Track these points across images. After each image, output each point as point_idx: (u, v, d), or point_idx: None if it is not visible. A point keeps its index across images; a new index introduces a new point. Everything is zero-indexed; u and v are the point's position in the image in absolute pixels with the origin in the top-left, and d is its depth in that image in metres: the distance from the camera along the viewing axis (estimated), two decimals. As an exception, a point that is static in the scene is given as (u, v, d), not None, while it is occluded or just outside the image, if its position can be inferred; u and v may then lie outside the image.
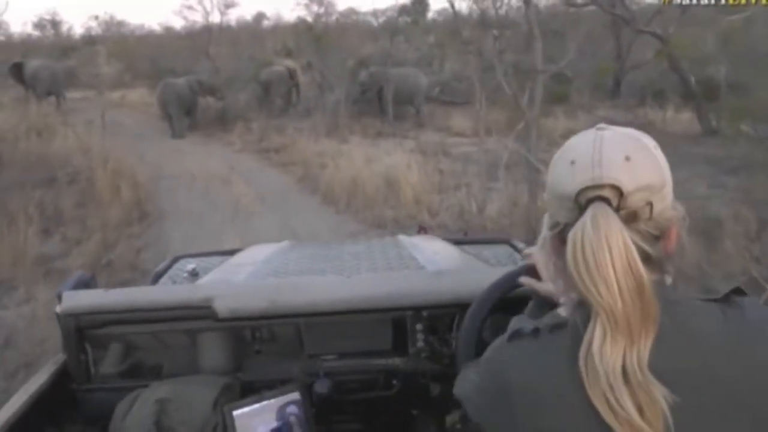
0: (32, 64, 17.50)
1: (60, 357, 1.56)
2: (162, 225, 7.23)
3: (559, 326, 0.80)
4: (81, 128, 13.27)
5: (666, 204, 0.80)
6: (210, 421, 1.35)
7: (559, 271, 0.84)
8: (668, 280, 0.82)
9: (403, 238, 2.61)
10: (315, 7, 19.64)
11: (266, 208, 8.04)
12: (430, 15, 34.42)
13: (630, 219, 0.77)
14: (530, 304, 1.10)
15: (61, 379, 1.52)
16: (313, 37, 16.46)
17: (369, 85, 14.14)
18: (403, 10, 33.12)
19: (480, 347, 1.06)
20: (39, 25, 37.47)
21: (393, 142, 12.65)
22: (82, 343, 1.53)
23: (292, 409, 1.39)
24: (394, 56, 17.07)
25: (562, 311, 0.87)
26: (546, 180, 0.87)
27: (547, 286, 1.10)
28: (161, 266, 2.53)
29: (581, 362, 0.73)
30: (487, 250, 2.50)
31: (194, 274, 2.30)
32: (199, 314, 1.51)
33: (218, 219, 6.79)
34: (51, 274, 5.83)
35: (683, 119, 13.72)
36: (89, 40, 35.46)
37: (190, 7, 18.41)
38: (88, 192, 8.28)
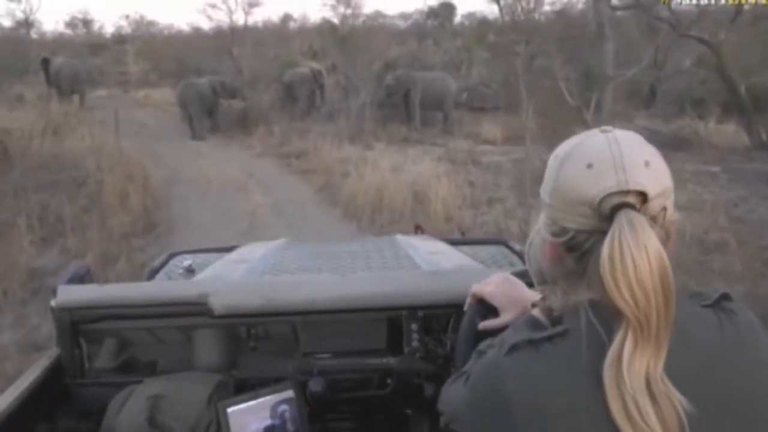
0: (56, 62, 17.05)
1: (54, 351, 1.52)
2: (169, 239, 6.52)
3: (560, 335, 0.75)
4: (100, 127, 12.71)
5: (672, 207, 0.77)
6: (204, 418, 1.31)
7: (560, 278, 0.81)
8: None
9: (399, 237, 2.55)
10: (342, 9, 18.90)
11: (283, 222, 7.30)
12: (457, 19, 33.74)
13: (651, 224, 0.74)
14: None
15: (54, 373, 1.48)
16: (339, 38, 15.72)
17: (395, 88, 13.35)
18: (430, 13, 32.53)
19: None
20: (71, 23, 37.66)
21: (420, 149, 11.85)
22: (77, 338, 1.50)
23: (286, 407, 1.36)
24: (421, 59, 16.29)
25: (536, 312, 0.86)
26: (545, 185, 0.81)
27: (505, 318, 1.10)
28: (157, 262, 2.46)
29: (607, 373, 0.69)
30: (483, 251, 2.45)
31: (190, 271, 2.22)
32: (195, 311, 1.47)
33: (229, 234, 6.06)
34: (40, 293, 5.15)
35: (726, 131, 12.70)
36: (119, 39, 35.43)
37: (213, 6, 17.80)
38: (95, 197, 7.63)
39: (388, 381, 1.47)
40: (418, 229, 3.04)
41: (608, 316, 0.72)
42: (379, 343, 1.50)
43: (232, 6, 17.55)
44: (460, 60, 19.14)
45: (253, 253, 2.32)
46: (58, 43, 31.77)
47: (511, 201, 8.15)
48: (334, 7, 18.61)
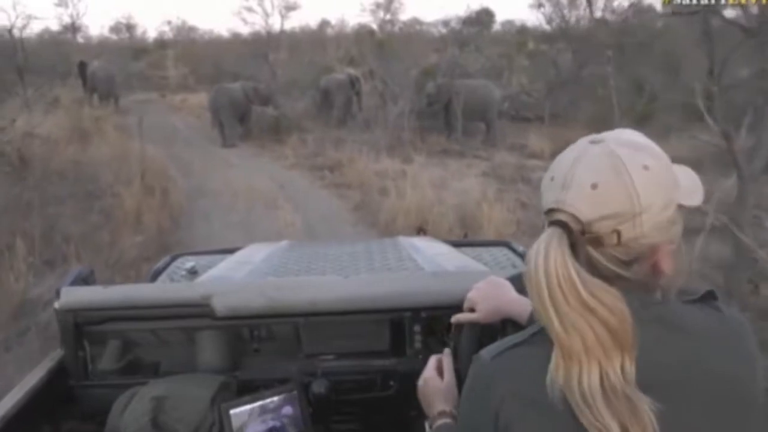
0: (92, 65, 16.53)
1: (58, 353, 1.49)
2: (183, 266, 5.58)
3: (537, 333, 0.77)
4: (129, 133, 12.00)
5: (641, 231, 0.74)
6: (207, 420, 1.29)
7: None
8: (658, 295, 0.79)
9: (402, 239, 2.50)
10: (381, 13, 17.92)
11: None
12: (495, 27, 32.54)
13: (595, 243, 0.75)
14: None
15: (58, 375, 1.45)
16: (377, 43, 14.73)
17: (437, 97, 12.28)
18: (468, 20, 31.49)
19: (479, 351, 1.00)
20: (115, 28, 37.74)
21: (462, 162, 10.78)
22: (80, 339, 1.47)
23: (289, 408, 1.33)
24: (462, 67, 15.20)
25: None
26: None
27: (478, 315, 1.14)
28: (160, 264, 2.38)
29: (552, 383, 0.71)
30: (486, 253, 2.38)
31: (193, 272, 2.16)
32: (198, 312, 1.44)
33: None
34: (27, 336, 4.26)
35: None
36: (160, 44, 35.29)
37: (249, 9, 17.02)
38: (111, 212, 6.78)
39: (391, 383, 1.42)
40: (421, 231, 2.97)
41: None
42: (382, 345, 1.46)
43: (268, 9, 16.71)
44: (501, 67, 17.98)
45: (256, 254, 2.25)
46: (102, 47, 31.71)
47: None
48: (373, 12, 17.60)
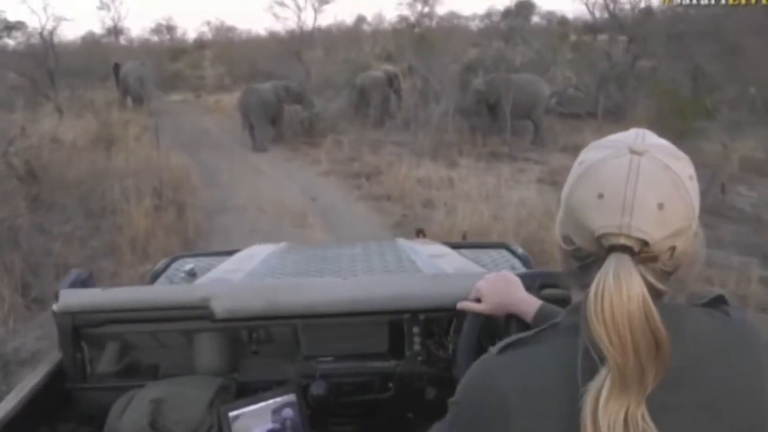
0: (125, 67, 15.75)
1: (56, 355, 1.44)
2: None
3: (551, 329, 0.75)
4: (162, 135, 11.10)
5: (689, 241, 0.71)
6: (205, 422, 1.26)
7: (567, 276, 0.79)
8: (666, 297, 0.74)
9: (401, 241, 2.46)
10: (419, 6, 16.59)
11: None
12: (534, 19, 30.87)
13: (649, 261, 0.70)
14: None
15: (56, 377, 1.41)
16: (416, 37, 13.43)
17: (486, 94, 10.93)
18: (507, 13, 29.93)
19: (478, 353, 0.98)
20: (156, 30, 37.51)
21: (514, 167, 9.45)
22: (79, 342, 1.43)
23: (288, 410, 1.29)
24: (508, 61, 13.80)
25: None
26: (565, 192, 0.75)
27: (485, 306, 1.14)
28: (159, 266, 2.31)
29: (586, 405, 0.65)
30: (485, 254, 2.32)
31: (192, 274, 2.10)
32: (196, 314, 1.40)
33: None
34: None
35: None
36: (200, 45, 34.82)
37: (281, 3, 15.92)
38: (118, 235, 5.76)
39: (390, 384, 1.39)
40: (420, 233, 2.82)
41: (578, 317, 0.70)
42: (381, 347, 1.43)
43: (301, 3, 15.56)
44: (548, 61, 16.44)
45: (254, 256, 2.16)
46: (144, 48, 31.40)
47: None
48: (411, 5, 16.29)
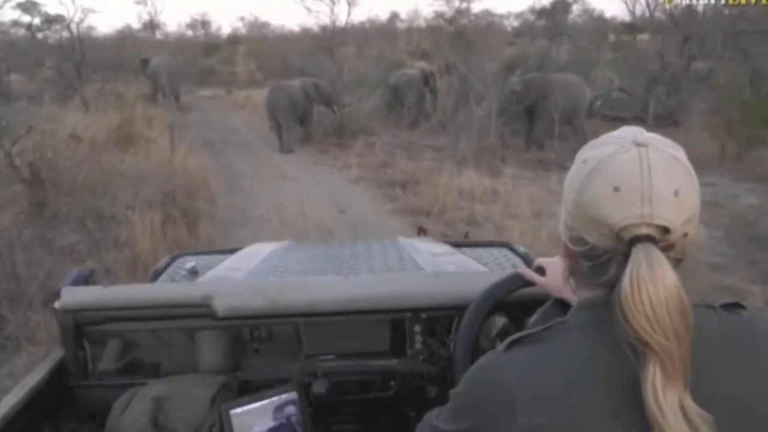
0: (154, 61, 15.07)
1: (58, 353, 1.41)
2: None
3: (558, 326, 0.72)
4: (185, 133, 10.32)
5: (696, 228, 0.71)
6: (207, 420, 1.23)
7: (573, 276, 0.78)
8: None
9: (402, 239, 2.36)
10: (456, 1, 15.48)
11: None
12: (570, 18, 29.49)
13: (668, 250, 0.68)
14: (546, 306, 1.03)
15: (58, 375, 1.37)
16: (454, 33, 12.37)
17: (521, 94, 9.84)
18: (542, 12, 28.72)
19: (477, 352, 1.04)
20: (191, 25, 37.17)
21: (563, 176, 8.34)
22: (80, 340, 1.39)
23: (290, 409, 1.26)
24: (553, 60, 12.67)
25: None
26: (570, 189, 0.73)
27: (546, 281, 1.08)
28: (160, 264, 2.24)
29: (650, 403, 0.63)
30: (487, 253, 2.23)
31: (193, 273, 2.03)
32: (198, 312, 1.37)
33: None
34: None
35: None
36: (233, 40, 34.28)
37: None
38: (120, 252, 4.92)
39: (392, 383, 1.35)
40: (421, 232, 2.74)
41: (606, 315, 0.68)
42: (383, 345, 1.39)
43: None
44: (593, 60, 15.16)
45: (256, 254, 2.11)
46: (178, 43, 30.99)
47: (740, 274, 4.65)
48: (448, 1, 15.17)
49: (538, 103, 9.73)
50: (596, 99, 12.79)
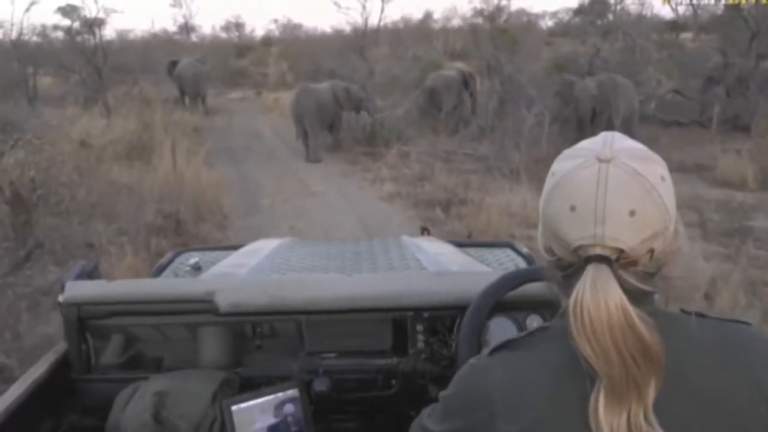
0: (181, 63, 14.16)
1: (61, 346, 1.39)
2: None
3: (540, 332, 0.73)
4: (209, 137, 9.34)
5: (667, 241, 0.68)
6: (208, 416, 1.21)
7: (556, 284, 0.76)
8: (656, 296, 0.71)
9: (406, 239, 2.31)
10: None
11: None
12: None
13: (629, 265, 0.67)
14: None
15: (61, 368, 1.36)
16: (496, 31, 11.04)
17: (594, 100, 8.49)
18: (579, 10, 27.48)
19: (479, 350, 1.03)
20: (226, 27, 36.54)
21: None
22: (84, 333, 1.38)
23: (291, 406, 1.23)
24: (604, 60, 11.24)
25: None
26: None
27: None
28: (164, 260, 2.22)
29: (590, 418, 0.63)
30: (490, 253, 2.19)
31: (197, 268, 1.98)
32: (201, 308, 1.35)
33: None
34: None
35: None
36: (267, 42, 33.53)
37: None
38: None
39: (393, 382, 1.31)
40: (425, 231, 2.69)
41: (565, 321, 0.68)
42: (384, 344, 1.36)
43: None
44: (644, 61, 13.61)
45: (259, 251, 2.08)
46: (211, 45, 30.42)
47: None
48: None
49: (601, 109, 8.38)
50: (649, 102, 11.36)
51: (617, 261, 0.65)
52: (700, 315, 0.70)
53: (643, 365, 0.61)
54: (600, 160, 0.66)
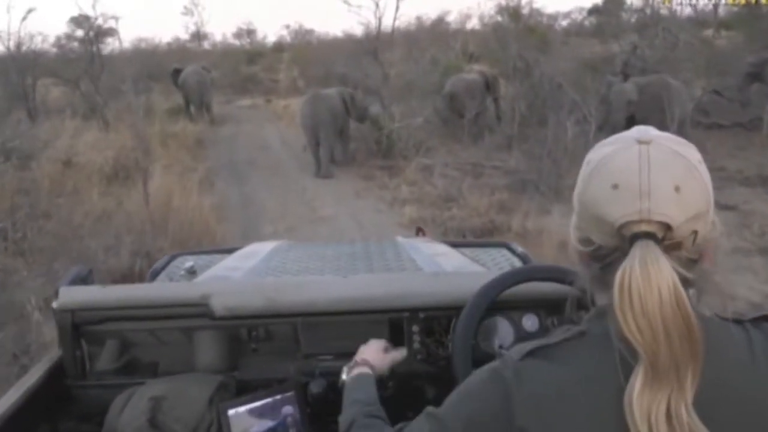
0: (185, 71, 13.17)
1: (56, 353, 1.37)
2: None
3: (576, 337, 0.66)
4: (213, 150, 8.30)
5: (708, 227, 0.66)
6: (205, 420, 1.19)
7: (590, 281, 0.71)
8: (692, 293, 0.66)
9: (401, 240, 2.31)
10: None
11: None
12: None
13: (673, 248, 0.63)
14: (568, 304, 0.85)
15: (56, 374, 1.33)
16: (522, 30, 9.87)
17: (635, 105, 7.32)
18: (593, 10, 26.57)
19: (476, 351, 1.07)
20: (237, 34, 35.73)
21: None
22: (78, 339, 1.35)
23: (287, 408, 1.21)
24: (643, 59, 10.02)
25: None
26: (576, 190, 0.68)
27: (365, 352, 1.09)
28: (159, 264, 2.19)
29: (625, 403, 0.60)
30: (485, 253, 2.19)
31: (192, 272, 1.97)
32: (196, 312, 1.32)
33: None
34: None
35: None
36: (278, 48, 32.67)
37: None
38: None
39: (389, 383, 1.25)
40: (420, 232, 2.67)
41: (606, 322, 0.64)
42: None
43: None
44: (683, 59, 12.33)
45: (254, 254, 2.06)
46: (225, 52, 29.63)
47: None
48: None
49: (644, 115, 7.20)
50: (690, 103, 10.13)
51: (663, 241, 0.62)
52: (737, 321, 0.66)
53: (687, 349, 0.58)
54: (640, 142, 0.64)
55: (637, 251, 0.61)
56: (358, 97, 8.62)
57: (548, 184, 6.31)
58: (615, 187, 0.63)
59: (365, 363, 1.03)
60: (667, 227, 0.61)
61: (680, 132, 7.63)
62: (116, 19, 12.73)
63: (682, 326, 0.58)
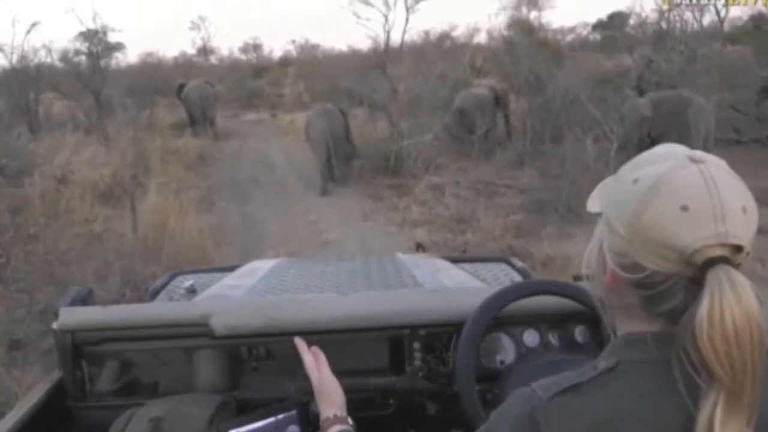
0: (188, 86, 12.88)
1: (56, 374, 1.35)
2: None
3: (610, 370, 0.61)
4: (215, 168, 7.91)
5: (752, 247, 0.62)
6: None
7: (620, 308, 0.66)
8: None
9: (401, 256, 2.28)
10: (524, 9, 12.56)
11: None
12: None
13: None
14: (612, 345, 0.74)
15: (56, 395, 1.32)
16: (535, 44, 9.52)
17: (650, 122, 6.93)
18: (597, 24, 26.51)
19: (478, 368, 1.05)
20: (244, 49, 35.69)
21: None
22: (79, 360, 1.33)
23: (289, 428, 1.16)
24: (657, 73, 9.64)
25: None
26: (614, 210, 0.62)
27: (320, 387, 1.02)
28: (158, 283, 2.15)
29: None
30: (485, 269, 2.14)
31: (191, 291, 1.96)
32: (196, 332, 1.31)
33: None
34: None
35: None
36: (284, 62, 32.57)
37: (366, 2, 12.32)
38: None
39: (391, 401, 1.27)
40: (420, 248, 2.65)
41: (665, 350, 0.59)
42: (381, 363, 1.33)
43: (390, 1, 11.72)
44: (698, 73, 11.95)
45: (254, 272, 2.04)
46: (233, 67, 29.53)
47: None
48: (516, 7, 12.23)
49: (659, 133, 6.80)
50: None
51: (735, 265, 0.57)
52: None
53: (759, 380, 0.55)
54: (694, 161, 0.59)
55: (723, 276, 0.56)
56: (347, 114, 8.39)
57: (567, 206, 5.89)
58: (684, 209, 0.57)
59: (339, 420, 0.95)
60: (737, 249, 0.57)
61: (705, 149, 7.25)
62: (116, 31, 12.41)
63: (762, 354, 0.55)
